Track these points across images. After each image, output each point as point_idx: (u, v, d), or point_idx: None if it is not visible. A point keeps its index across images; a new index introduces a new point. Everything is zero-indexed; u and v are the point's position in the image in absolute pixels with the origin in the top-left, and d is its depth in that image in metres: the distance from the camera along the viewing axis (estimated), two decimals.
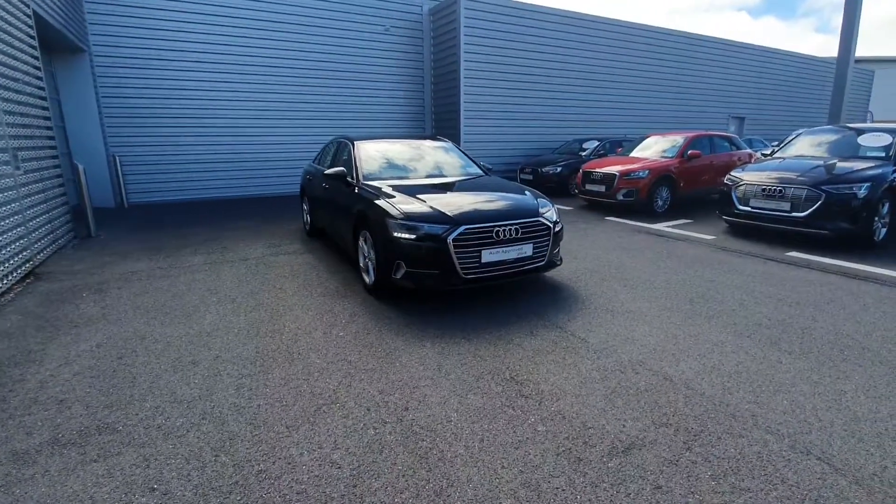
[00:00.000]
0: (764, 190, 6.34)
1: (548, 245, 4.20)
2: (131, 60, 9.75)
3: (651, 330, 3.58)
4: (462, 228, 3.80)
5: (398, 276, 3.92)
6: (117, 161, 9.75)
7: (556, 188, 10.94)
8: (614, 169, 8.58)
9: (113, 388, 2.80)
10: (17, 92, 5.43)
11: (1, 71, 5.10)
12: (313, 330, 3.61)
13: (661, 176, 8.42)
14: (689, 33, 16.03)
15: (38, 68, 6.21)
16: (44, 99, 6.32)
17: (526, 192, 4.67)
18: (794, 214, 6.00)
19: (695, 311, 3.96)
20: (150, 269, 5.32)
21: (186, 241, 6.70)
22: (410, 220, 3.86)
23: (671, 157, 8.78)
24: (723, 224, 7.48)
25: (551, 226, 4.22)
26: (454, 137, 12.32)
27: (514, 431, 2.35)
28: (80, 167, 6.82)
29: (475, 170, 5.52)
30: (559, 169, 10.98)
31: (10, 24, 5.47)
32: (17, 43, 5.57)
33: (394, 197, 4.24)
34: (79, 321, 3.82)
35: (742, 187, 6.65)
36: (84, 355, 3.21)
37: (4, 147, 4.88)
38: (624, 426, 2.38)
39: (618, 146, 11.17)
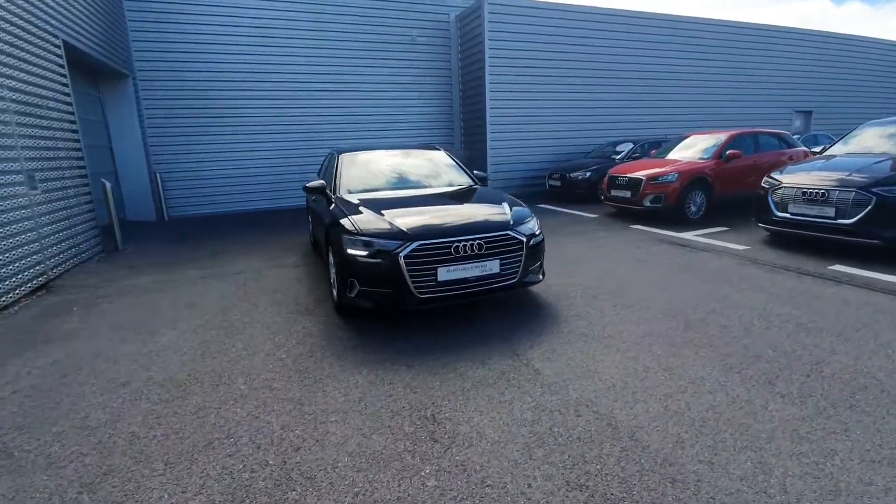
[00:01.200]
0: (804, 193, 5.50)
1: (519, 261, 3.81)
2: (171, 84, 10.35)
3: (622, 360, 3.10)
4: (416, 244, 3.51)
5: (352, 295, 3.70)
6: (158, 177, 10.36)
7: (585, 194, 10.30)
8: (640, 173, 7.89)
9: (36, 408, 2.79)
10: (39, 117, 5.82)
11: (23, 99, 5.50)
12: (258, 352, 3.47)
13: (693, 179, 7.62)
14: (741, 23, 14.67)
15: (66, 94, 6.67)
16: (73, 122, 6.77)
17: (504, 203, 4.29)
18: (839, 221, 5.14)
19: (686, 338, 3.41)
20: (149, 283, 5.48)
21: (197, 253, 6.90)
22: (363, 235, 3.64)
23: (707, 159, 7.94)
24: (762, 233, 6.60)
25: (524, 240, 3.82)
26: (481, 144, 12.00)
27: (399, 486, 2.03)
28: (107, 184, 7.24)
29: (465, 180, 5.20)
30: (588, 174, 10.33)
31: (36, 54, 5.90)
32: (41, 71, 5.99)
33: (359, 212, 4.03)
34: (53, 337, 3.93)
35: (780, 191, 5.82)
36: (34, 373, 3.27)
37: (19, 169, 5.23)
38: (529, 486, 2.00)
39: (655, 148, 10.33)
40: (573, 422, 2.44)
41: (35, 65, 5.87)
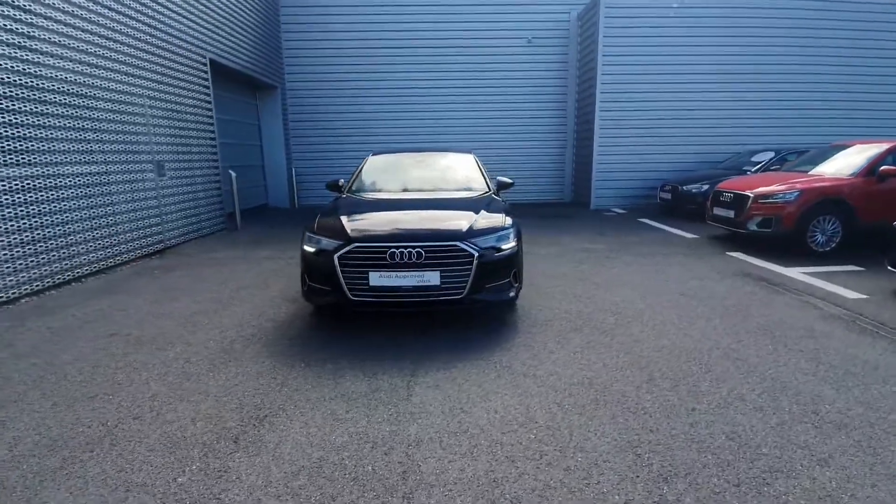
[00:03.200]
0: None
1: (467, 276, 3.43)
2: (310, 92, 11.92)
3: (510, 406, 2.58)
4: (352, 246, 3.45)
5: (304, 290, 3.80)
6: (293, 172, 12.03)
7: (699, 211, 8.64)
8: (751, 189, 6.31)
9: (42, 342, 3.54)
10: (177, 120, 7.28)
11: (163, 105, 6.96)
12: (219, 327, 3.81)
13: (822, 200, 5.80)
14: None
15: (208, 101, 8.20)
16: (210, 124, 8.28)
17: (480, 212, 3.90)
18: None
19: (625, 397, 2.67)
20: (224, 257, 6.45)
21: (288, 237, 7.83)
22: (315, 233, 3.71)
23: (853, 175, 5.95)
24: None
25: (475, 254, 3.44)
26: (589, 150, 10.98)
27: (157, 474, 2.05)
28: (233, 174, 8.69)
29: (477, 186, 4.89)
30: (705, 187, 8.63)
31: (184, 70, 7.40)
32: (186, 85, 7.49)
33: (333, 210, 4.11)
34: (118, 290, 4.93)
35: None
36: (77, 315, 4.15)
37: (150, 160, 6.65)
38: None
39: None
40: (373, 459, 2.14)
41: (181, 78, 7.36)
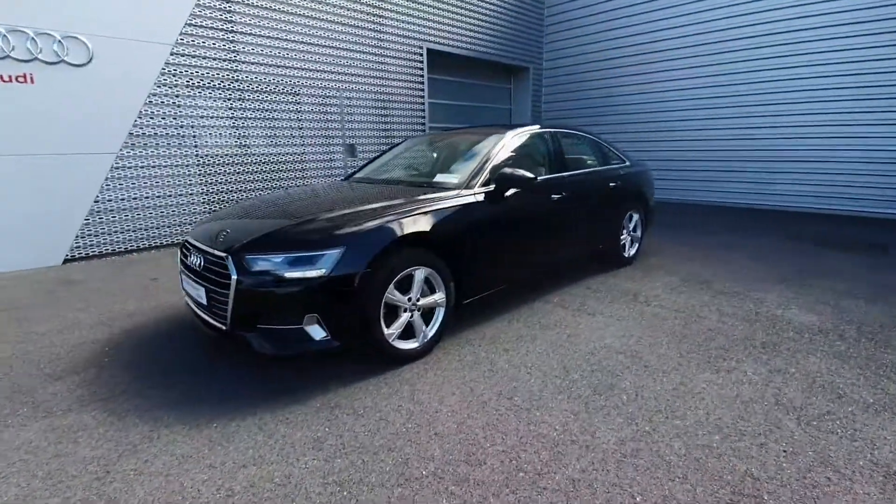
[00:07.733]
0: None
1: (226, 302, 2.36)
2: (567, 69, 10.58)
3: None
4: (186, 240, 2.97)
5: None
6: None
7: None
8: None
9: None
10: (381, 107, 8.01)
11: (368, 95, 7.79)
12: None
13: None
14: None
15: (420, 86, 8.55)
16: (422, 108, 8.66)
17: (340, 211, 2.55)
18: None
19: None
20: None
21: None
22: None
23: None
24: None
25: (233, 276, 2.30)
26: None
27: None
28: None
29: (457, 181, 3.19)
30: None
31: (395, 61, 8.01)
32: (397, 73, 8.07)
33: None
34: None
35: None
36: (125, 270, 5.33)
37: (341, 144, 7.65)
38: None
39: None
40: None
41: (392, 68, 7.99)
